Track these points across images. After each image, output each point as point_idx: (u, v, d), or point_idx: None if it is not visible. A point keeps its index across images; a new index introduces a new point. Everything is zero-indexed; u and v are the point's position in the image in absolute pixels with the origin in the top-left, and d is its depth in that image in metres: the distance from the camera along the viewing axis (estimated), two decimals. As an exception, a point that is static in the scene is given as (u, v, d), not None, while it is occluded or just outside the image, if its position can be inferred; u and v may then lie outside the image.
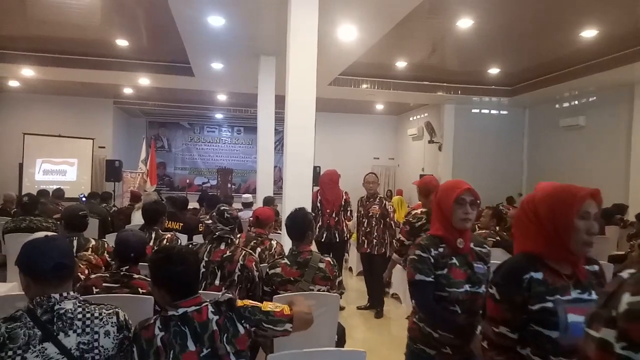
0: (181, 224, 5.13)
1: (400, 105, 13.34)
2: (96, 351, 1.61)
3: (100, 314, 1.67)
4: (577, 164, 9.76)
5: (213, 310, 1.71)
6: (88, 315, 1.64)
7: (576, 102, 10.04)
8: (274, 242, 3.74)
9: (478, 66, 9.06)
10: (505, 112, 11.98)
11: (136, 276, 2.53)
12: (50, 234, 1.79)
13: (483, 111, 12.00)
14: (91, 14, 6.77)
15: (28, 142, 11.48)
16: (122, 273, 2.49)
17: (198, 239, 4.57)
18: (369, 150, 14.79)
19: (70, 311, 1.61)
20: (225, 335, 1.68)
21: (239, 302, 1.78)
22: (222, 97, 12.62)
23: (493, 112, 12.03)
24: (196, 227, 5.11)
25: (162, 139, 15.33)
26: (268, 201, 5.93)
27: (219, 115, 15.38)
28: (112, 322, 1.67)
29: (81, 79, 10.12)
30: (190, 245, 3.04)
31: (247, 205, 7.02)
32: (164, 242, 3.54)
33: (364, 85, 10.15)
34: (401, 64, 8.98)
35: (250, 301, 1.83)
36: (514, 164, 11.80)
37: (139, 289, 2.47)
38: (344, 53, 7.22)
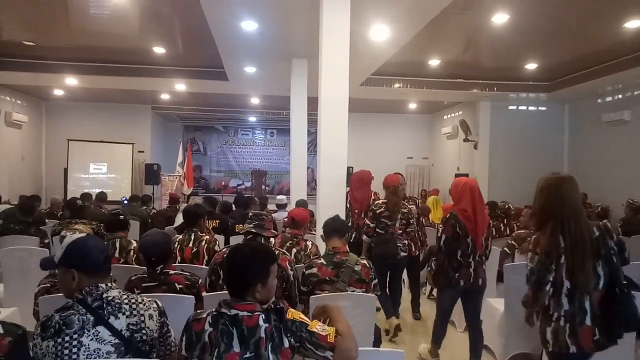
0: (218, 221, 5.26)
1: (433, 104, 13.16)
2: (143, 331, 1.75)
3: (142, 300, 1.83)
4: (621, 161, 9.34)
5: (264, 317, 1.72)
6: (133, 300, 1.79)
7: (620, 96, 9.61)
8: (309, 243, 3.77)
9: (514, 62, 8.82)
10: (543, 108, 11.61)
11: (172, 272, 2.62)
12: (84, 234, 1.93)
13: (520, 108, 11.67)
14: (129, 23, 7.01)
15: (72, 148, 11.99)
16: (158, 272, 2.59)
17: (236, 240, 4.67)
18: (402, 150, 14.65)
19: (117, 297, 1.76)
20: (271, 343, 1.68)
21: (289, 315, 1.75)
22: (255, 100, 12.80)
23: (531, 108, 11.68)
24: (234, 228, 5.21)
25: (198, 142, 15.68)
26: (301, 205, 5.96)
27: (252, 118, 15.60)
28: (153, 307, 1.83)
29: (121, 86, 10.49)
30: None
31: (282, 206, 7.09)
32: (203, 243, 3.64)
33: (397, 85, 10.07)
34: (434, 62, 8.86)
35: (301, 315, 1.79)
36: (553, 162, 11.39)
37: (176, 284, 2.56)
38: (376, 53, 7.19)
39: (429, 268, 3.67)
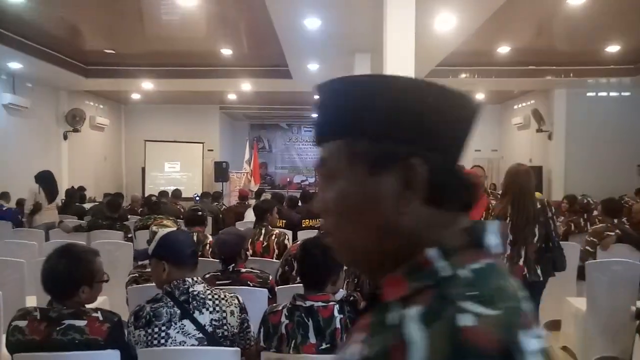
0: (284, 221, 5.36)
1: (503, 94, 12.58)
2: (225, 327, 1.82)
3: (225, 296, 1.89)
4: None
5: (339, 309, 1.75)
6: (216, 296, 1.87)
7: None
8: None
9: (593, 45, 8.21)
10: (627, 94, 10.71)
11: (243, 270, 2.67)
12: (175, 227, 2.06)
13: (600, 94, 10.85)
14: (198, 27, 7.33)
15: (149, 148, 12.75)
16: (230, 270, 2.66)
17: (302, 235, 4.76)
18: (469, 143, 14.13)
19: (202, 292, 1.84)
20: (346, 335, 1.70)
21: (362, 306, 1.77)
22: (318, 97, 12.89)
23: (612, 94, 10.82)
24: (299, 224, 5.30)
25: (263, 140, 16.11)
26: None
27: (315, 115, 15.73)
28: (235, 304, 1.90)
29: (191, 88, 11.02)
30: None
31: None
32: (273, 237, 3.74)
33: (463, 75, 9.74)
34: (503, 50, 8.46)
35: None
36: (638, 152, 10.52)
37: (248, 282, 2.63)
38: (442, 43, 6.99)
39: None
